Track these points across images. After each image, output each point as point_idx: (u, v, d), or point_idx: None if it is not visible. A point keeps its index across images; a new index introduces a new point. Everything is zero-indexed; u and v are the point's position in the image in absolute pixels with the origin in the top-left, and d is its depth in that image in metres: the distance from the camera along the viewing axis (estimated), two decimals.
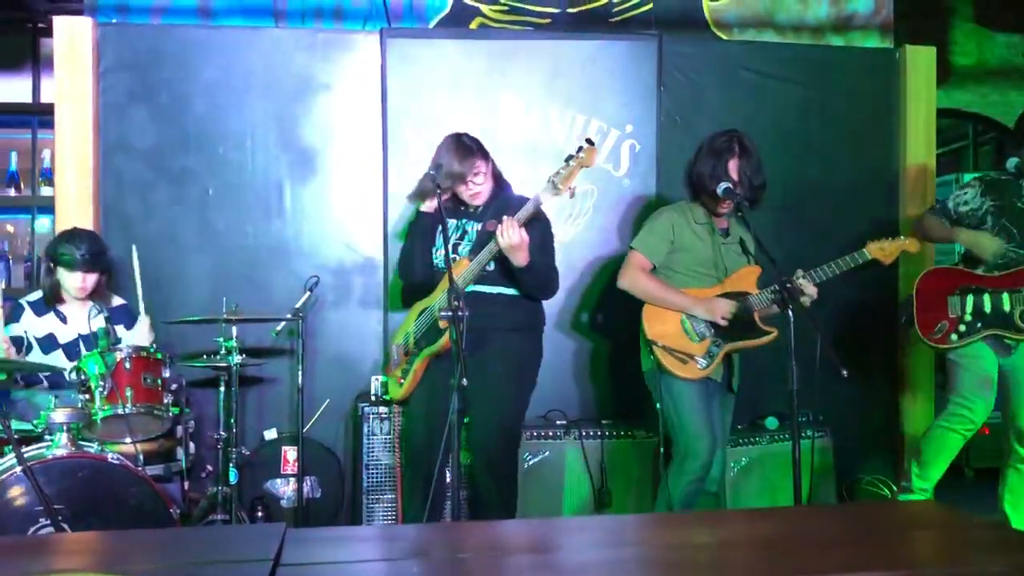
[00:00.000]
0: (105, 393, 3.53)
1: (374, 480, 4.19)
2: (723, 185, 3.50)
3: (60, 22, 4.41)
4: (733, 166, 3.55)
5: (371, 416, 4.21)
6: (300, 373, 4.10)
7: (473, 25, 4.87)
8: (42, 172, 5.83)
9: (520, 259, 3.44)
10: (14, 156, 5.91)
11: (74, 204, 4.35)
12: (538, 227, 3.59)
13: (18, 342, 3.93)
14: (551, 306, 3.88)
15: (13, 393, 3.95)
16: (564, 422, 4.29)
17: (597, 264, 4.63)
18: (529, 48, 4.67)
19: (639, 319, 3.66)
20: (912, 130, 4.94)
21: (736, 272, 3.67)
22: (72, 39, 4.36)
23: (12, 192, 5.90)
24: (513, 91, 4.62)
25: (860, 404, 4.79)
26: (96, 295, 3.96)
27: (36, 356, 3.92)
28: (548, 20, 4.92)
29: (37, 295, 4.03)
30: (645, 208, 4.54)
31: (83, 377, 3.54)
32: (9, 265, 5.85)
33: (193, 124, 4.48)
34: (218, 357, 3.94)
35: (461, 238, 3.67)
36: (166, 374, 3.71)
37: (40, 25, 5.81)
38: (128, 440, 3.56)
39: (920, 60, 4.96)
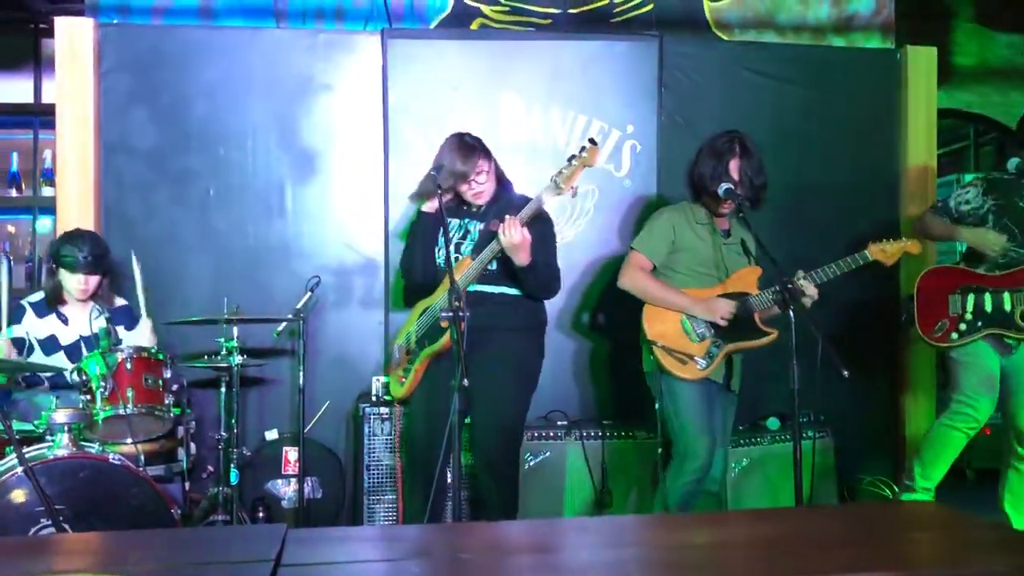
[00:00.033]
0: (106, 394, 3.53)
1: (375, 481, 4.19)
2: (724, 185, 3.51)
3: (61, 23, 4.41)
4: (734, 166, 3.56)
5: (372, 417, 4.20)
6: (301, 374, 4.10)
7: (474, 26, 4.87)
8: (43, 172, 5.83)
9: (522, 258, 3.45)
10: (15, 156, 5.91)
11: (75, 204, 4.35)
12: (540, 227, 3.59)
13: (19, 343, 3.93)
14: (552, 306, 3.88)
15: (14, 394, 3.95)
16: (565, 422, 4.29)
17: (598, 264, 4.63)
18: (530, 49, 4.67)
19: (640, 319, 3.66)
20: (913, 130, 4.94)
21: (737, 272, 3.67)
22: (73, 40, 4.37)
23: (13, 192, 5.91)
24: (514, 91, 4.62)
25: (861, 404, 4.79)
26: (98, 296, 3.96)
27: (37, 357, 3.92)
28: (549, 21, 4.91)
29: (39, 296, 4.03)
30: (646, 208, 4.53)
31: (84, 378, 3.54)
32: (11, 265, 5.83)
33: (194, 124, 4.49)
34: (219, 358, 3.94)
35: (464, 237, 3.67)
36: (167, 375, 3.71)
37: (41, 26, 5.81)
38: (129, 441, 3.56)
39: (921, 60, 4.96)
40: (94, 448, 3.35)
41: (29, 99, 5.92)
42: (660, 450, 3.77)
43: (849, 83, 4.92)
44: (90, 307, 3.93)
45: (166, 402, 3.69)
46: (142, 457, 3.53)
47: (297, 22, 4.80)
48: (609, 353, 4.64)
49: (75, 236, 3.91)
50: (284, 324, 4.28)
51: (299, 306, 4.18)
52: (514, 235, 3.38)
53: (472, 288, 3.53)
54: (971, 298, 3.93)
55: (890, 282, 4.74)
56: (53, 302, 3.97)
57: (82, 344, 3.95)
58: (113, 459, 3.29)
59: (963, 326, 3.94)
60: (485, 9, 4.88)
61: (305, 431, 4.19)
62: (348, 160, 4.59)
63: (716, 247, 3.67)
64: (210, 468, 4.23)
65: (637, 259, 3.69)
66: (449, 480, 3.45)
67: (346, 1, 4.83)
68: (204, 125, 4.49)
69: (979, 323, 3.91)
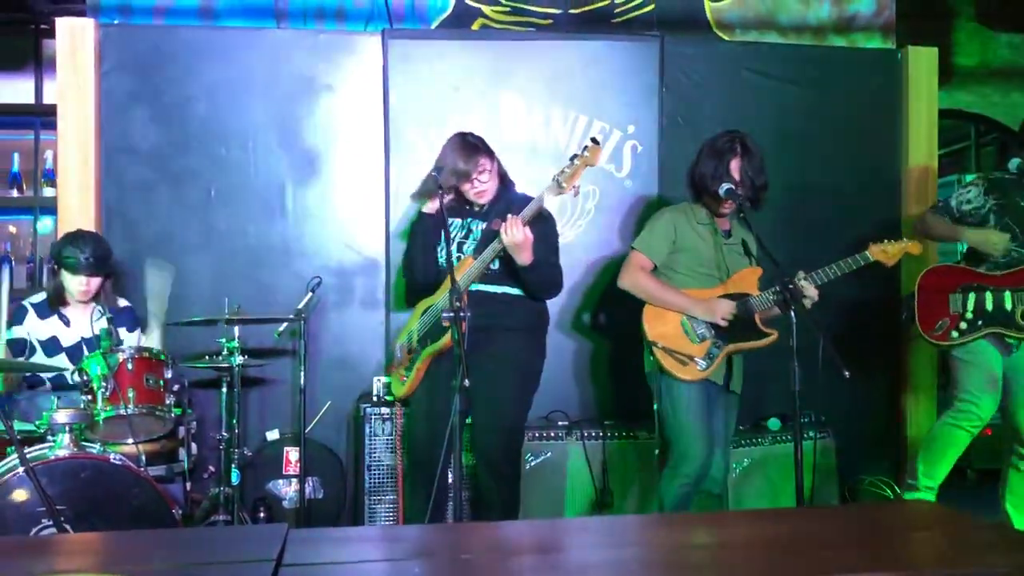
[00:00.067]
0: (107, 394, 3.53)
1: (376, 481, 4.19)
2: (725, 186, 3.50)
3: (62, 23, 4.41)
4: (735, 166, 3.55)
5: (373, 417, 4.21)
6: (302, 374, 4.10)
7: (475, 26, 4.87)
8: (44, 173, 5.83)
9: (524, 257, 3.45)
10: (16, 157, 5.91)
11: (76, 205, 4.35)
12: (543, 226, 3.59)
13: (21, 344, 3.93)
14: (553, 306, 3.88)
15: (15, 394, 3.95)
16: (566, 423, 4.29)
17: (599, 264, 4.63)
18: (531, 49, 4.68)
19: (640, 320, 3.66)
20: (914, 131, 4.94)
21: (738, 273, 3.66)
22: (74, 40, 4.37)
23: (14, 193, 5.90)
24: (515, 92, 4.62)
25: (862, 405, 4.79)
26: (100, 297, 3.95)
27: (39, 359, 3.92)
28: (550, 21, 4.91)
29: (41, 297, 4.02)
30: (647, 209, 4.53)
31: (85, 378, 3.54)
32: (12, 266, 5.85)
33: (195, 125, 4.49)
34: (220, 358, 3.94)
35: (466, 237, 3.68)
36: (168, 375, 3.71)
37: (43, 26, 5.80)
38: (130, 441, 3.56)
39: (922, 61, 4.96)
40: (95, 448, 3.35)
41: (30, 100, 5.91)
42: (657, 451, 3.77)
43: (850, 83, 4.92)
44: (92, 308, 3.92)
45: (167, 402, 3.69)
46: (143, 457, 3.53)
47: (298, 22, 4.80)
48: (610, 353, 4.64)
49: (77, 237, 3.90)
50: (285, 324, 4.28)
51: (300, 306, 4.18)
52: (516, 234, 3.38)
53: (474, 287, 3.54)
54: (972, 297, 3.94)
55: (891, 282, 4.74)
56: (55, 303, 3.97)
57: (84, 345, 3.95)
58: (114, 459, 3.29)
59: (964, 325, 3.94)
60: (486, 9, 4.88)
61: (306, 431, 4.19)
62: (349, 160, 4.59)
63: (717, 247, 3.67)
64: (211, 468, 4.22)
65: (638, 259, 3.69)
66: (450, 480, 3.46)
67: (347, 1, 4.83)
68: (205, 125, 4.49)
69: (980, 322, 3.91)
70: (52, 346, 3.95)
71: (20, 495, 3.08)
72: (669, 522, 2.73)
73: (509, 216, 3.41)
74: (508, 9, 4.90)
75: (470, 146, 3.64)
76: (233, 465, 3.94)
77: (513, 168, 3.87)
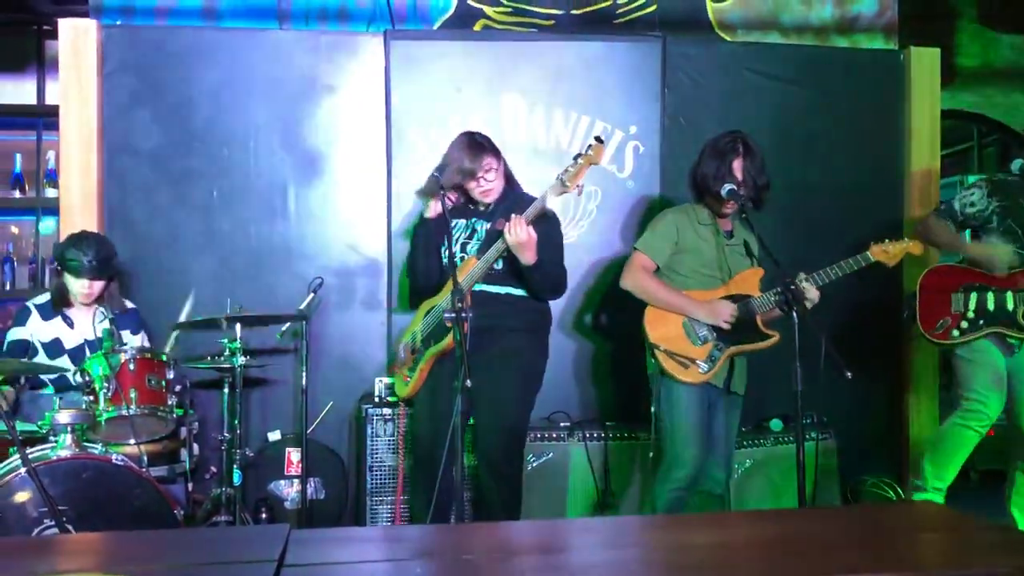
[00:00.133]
0: (109, 394, 3.53)
1: (378, 481, 4.19)
2: (727, 186, 3.50)
3: (65, 24, 4.41)
4: (737, 166, 3.55)
5: (375, 417, 4.21)
6: (304, 374, 4.10)
7: (477, 27, 4.87)
8: (47, 174, 5.84)
9: (528, 257, 3.45)
10: (19, 158, 5.91)
11: (78, 206, 4.36)
12: (547, 226, 3.59)
13: (24, 346, 3.92)
14: (554, 307, 3.87)
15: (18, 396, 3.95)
16: (568, 423, 4.29)
17: (600, 265, 4.63)
18: (533, 49, 4.68)
19: (642, 321, 3.66)
20: (916, 131, 4.94)
21: (740, 274, 3.66)
22: (77, 41, 4.37)
23: (17, 194, 5.91)
24: (517, 92, 4.62)
25: (864, 406, 4.78)
26: (105, 299, 3.94)
27: (41, 361, 3.91)
28: (552, 22, 4.91)
29: (44, 298, 4.01)
30: (649, 209, 4.54)
31: (87, 379, 3.54)
32: (14, 267, 5.86)
33: (197, 126, 4.49)
34: (222, 359, 3.94)
35: (470, 237, 3.67)
36: (170, 375, 3.71)
37: (45, 27, 5.82)
38: (132, 441, 3.56)
39: (924, 61, 4.96)
40: (97, 449, 3.35)
41: (33, 100, 5.93)
42: (652, 454, 3.77)
43: (852, 84, 4.92)
44: (96, 310, 3.90)
45: (169, 403, 3.69)
46: (145, 458, 3.53)
47: (300, 23, 4.80)
48: (612, 354, 4.64)
49: (80, 239, 3.88)
50: (288, 324, 4.29)
51: (302, 307, 4.18)
52: (520, 233, 3.38)
53: (477, 288, 3.54)
54: (974, 297, 3.93)
55: (892, 283, 4.74)
56: (59, 304, 3.96)
57: (86, 348, 3.93)
58: (116, 460, 3.29)
59: (965, 324, 3.94)
60: (488, 10, 4.88)
61: (308, 432, 4.19)
62: (351, 161, 4.59)
63: (719, 248, 3.67)
64: (213, 469, 4.23)
65: (640, 260, 3.68)
66: (454, 480, 3.46)
67: (349, 2, 4.83)
68: (207, 126, 4.50)
69: (981, 322, 3.91)
70: (55, 348, 3.94)
71: (22, 496, 3.08)
72: (671, 523, 2.73)
73: (513, 215, 3.41)
74: (510, 10, 4.90)
75: (477, 145, 3.64)
76: (235, 466, 3.94)
77: (515, 168, 3.87)
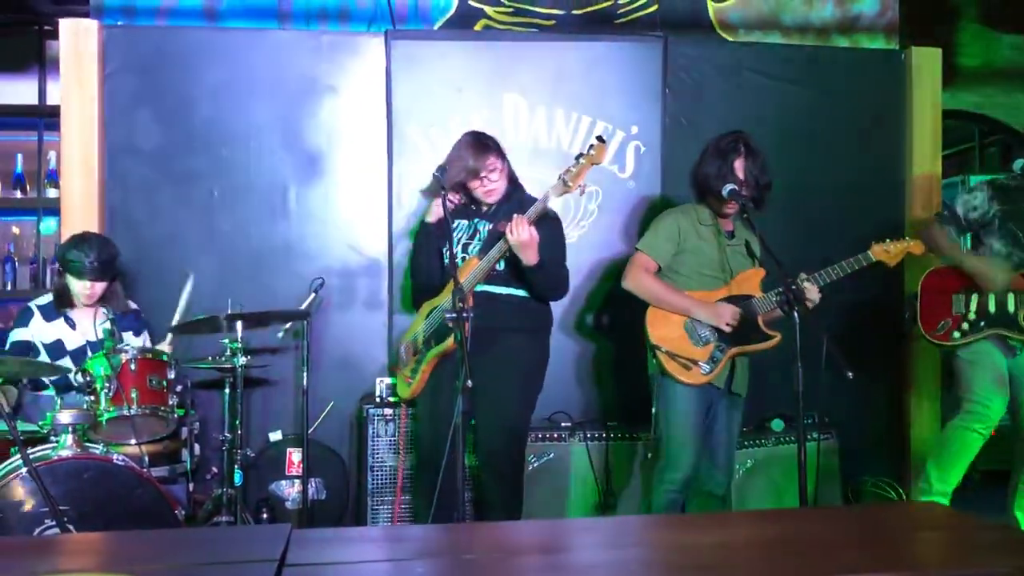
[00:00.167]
0: (110, 395, 3.52)
1: (379, 482, 4.19)
2: (728, 186, 3.50)
3: (66, 24, 4.41)
4: (739, 166, 3.55)
5: (376, 418, 4.21)
6: (305, 375, 4.10)
7: (478, 27, 4.87)
8: (48, 174, 5.83)
9: (530, 257, 3.44)
10: (20, 158, 5.91)
11: (79, 206, 4.36)
12: (549, 226, 3.59)
13: (26, 347, 3.91)
14: (556, 307, 3.87)
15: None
16: (569, 424, 4.29)
17: (602, 266, 4.62)
18: (534, 50, 4.68)
19: (643, 321, 3.65)
20: (918, 131, 4.93)
21: (741, 274, 3.66)
22: (78, 41, 4.37)
23: (18, 194, 5.90)
24: (518, 93, 4.62)
25: (865, 406, 4.78)
26: (106, 300, 3.93)
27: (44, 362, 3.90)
28: (553, 22, 4.91)
29: (47, 299, 4.00)
30: (650, 210, 4.53)
31: (89, 379, 3.54)
32: (15, 267, 5.86)
33: (198, 126, 4.49)
34: (223, 359, 3.94)
35: (472, 237, 3.68)
36: (171, 375, 3.70)
37: (46, 27, 5.81)
38: (133, 441, 3.56)
39: (926, 61, 4.95)
40: (98, 449, 3.35)
41: (34, 101, 5.92)
42: (649, 454, 3.77)
43: (853, 84, 4.91)
44: (98, 311, 3.90)
45: (170, 403, 3.69)
46: (146, 458, 3.53)
47: (301, 23, 4.80)
48: (613, 354, 4.64)
49: (82, 241, 3.87)
50: (289, 324, 4.28)
51: (303, 307, 4.18)
52: (522, 233, 3.38)
53: (479, 288, 3.53)
54: (975, 298, 3.93)
55: (894, 283, 4.74)
56: (61, 305, 3.95)
57: (88, 349, 3.90)
58: (117, 460, 3.29)
59: (966, 326, 3.93)
60: (489, 10, 4.88)
61: (309, 432, 4.19)
62: (352, 161, 4.59)
63: (721, 249, 3.66)
64: (214, 469, 4.22)
65: (642, 260, 3.68)
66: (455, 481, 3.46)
67: (350, 2, 4.83)
68: (208, 126, 4.50)
69: (982, 323, 3.91)
70: (57, 349, 3.93)
71: (23, 496, 3.08)
72: (672, 523, 2.73)
73: (515, 215, 3.41)
74: (511, 10, 4.90)
75: (482, 145, 3.65)
76: (236, 466, 3.93)
77: (516, 168, 3.87)
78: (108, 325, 3.67)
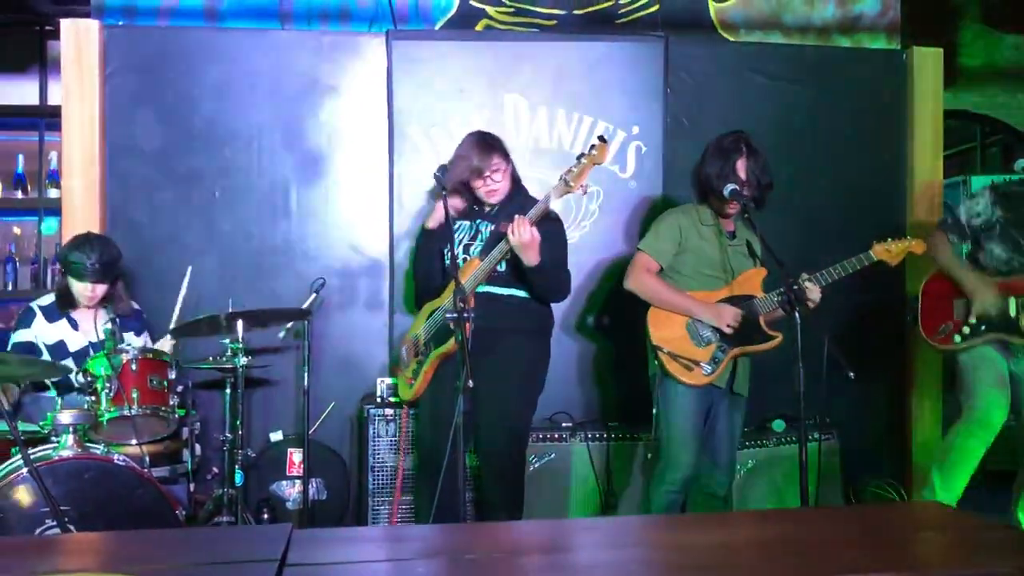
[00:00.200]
0: (111, 395, 3.52)
1: (380, 482, 4.19)
2: (729, 186, 3.50)
3: (67, 24, 4.41)
4: (741, 166, 3.55)
5: (376, 418, 4.20)
6: (306, 375, 4.09)
7: (479, 27, 4.87)
8: (49, 174, 5.84)
9: (531, 258, 3.44)
10: (21, 158, 5.91)
11: (81, 206, 4.36)
12: (550, 227, 3.58)
13: (29, 348, 3.90)
14: (557, 308, 3.87)
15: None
16: (570, 424, 4.28)
17: (603, 266, 4.62)
18: (535, 50, 4.67)
19: (644, 321, 3.65)
20: (919, 131, 4.93)
21: (743, 274, 3.66)
22: (79, 41, 4.37)
23: (19, 194, 5.91)
24: (519, 93, 4.61)
25: (867, 407, 4.78)
26: (109, 301, 3.93)
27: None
28: (554, 22, 4.91)
29: (49, 299, 3.99)
30: (651, 210, 4.53)
31: (89, 379, 3.53)
32: (16, 267, 5.86)
33: (199, 126, 4.49)
34: (224, 359, 3.93)
35: (474, 238, 3.67)
36: (172, 376, 3.70)
37: (47, 28, 5.82)
38: (134, 442, 3.55)
39: (927, 61, 4.95)
40: (99, 449, 3.34)
41: (35, 101, 5.93)
42: (649, 455, 3.76)
43: (855, 84, 4.91)
44: (100, 312, 3.89)
45: (171, 403, 3.69)
46: (147, 458, 3.53)
47: (302, 24, 4.80)
48: (614, 355, 4.63)
49: (83, 242, 3.84)
50: (290, 324, 4.28)
51: (304, 307, 4.18)
52: (523, 234, 3.37)
53: (481, 289, 3.53)
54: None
55: (896, 284, 4.74)
56: (63, 306, 3.94)
57: (90, 350, 3.89)
58: (118, 460, 3.29)
59: (967, 329, 3.92)
60: (490, 10, 4.88)
61: (310, 433, 4.19)
62: (353, 162, 4.59)
63: (722, 249, 3.66)
64: (215, 469, 4.22)
65: (644, 261, 3.68)
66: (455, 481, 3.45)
67: (351, 2, 4.83)
68: (209, 126, 4.50)
69: (983, 327, 3.89)
70: (59, 350, 3.92)
71: (24, 496, 3.08)
72: (672, 523, 2.73)
73: (516, 216, 3.41)
74: (512, 10, 4.90)
75: (487, 144, 3.65)
76: (237, 466, 3.93)
77: (517, 169, 3.87)
78: (109, 325, 3.67)
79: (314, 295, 4.28)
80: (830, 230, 4.65)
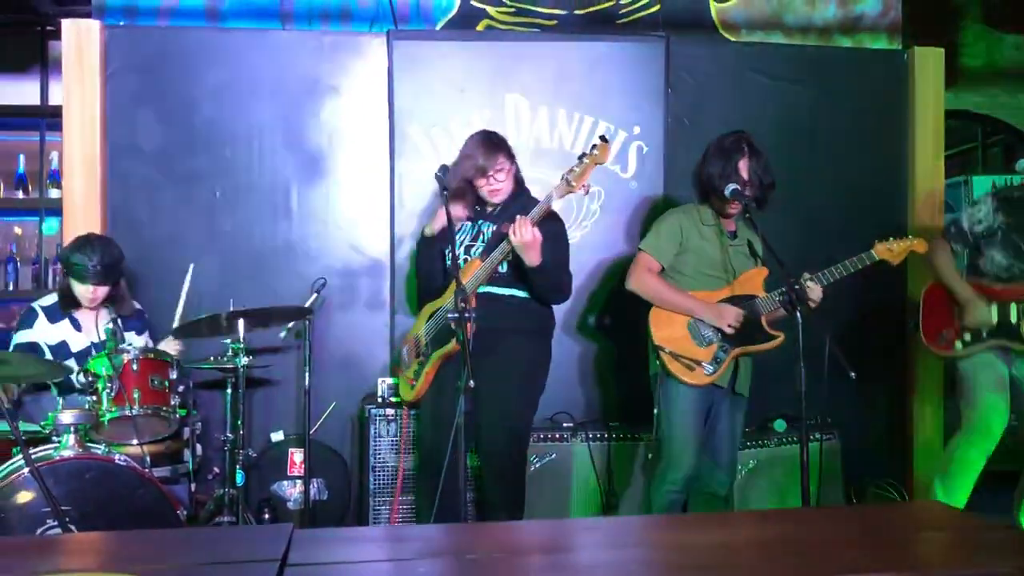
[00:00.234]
0: (112, 395, 3.52)
1: (381, 482, 4.18)
2: (731, 186, 3.50)
3: (68, 25, 4.42)
4: (744, 166, 3.55)
5: (377, 418, 4.20)
6: (307, 375, 4.09)
7: (480, 27, 4.86)
8: (50, 174, 5.84)
9: (532, 258, 3.44)
10: (22, 158, 5.92)
11: (82, 206, 4.36)
12: (552, 227, 3.58)
13: (31, 349, 3.89)
14: (558, 308, 3.87)
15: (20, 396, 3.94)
16: (571, 424, 4.28)
17: (604, 266, 4.62)
18: (536, 50, 4.67)
19: (646, 322, 3.65)
20: (920, 131, 4.92)
21: (744, 274, 3.65)
22: (80, 42, 4.37)
23: (20, 194, 5.91)
24: (520, 93, 4.61)
25: (868, 407, 4.77)
26: (112, 302, 3.92)
27: None
28: (555, 22, 4.91)
29: (50, 300, 3.98)
30: (652, 210, 4.53)
31: (91, 379, 3.53)
32: (17, 267, 5.86)
33: (200, 126, 4.49)
34: (225, 359, 3.93)
35: (475, 239, 3.67)
36: (173, 376, 3.70)
37: (48, 28, 5.82)
38: (135, 442, 3.55)
39: (928, 61, 4.94)
40: (100, 449, 3.34)
41: (36, 101, 5.93)
42: (650, 455, 3.76)
43: (856, 84, 4.91)
44: (103, 313, 3.89)
45: (172, 403, 3.68)
46: (148, 458, 3.53)
47: (303, 24, 4.80)
48: (615, 355, 4.63)
49: (85, 244, 3.82)
50: (291, 324, 4.28)
51: (305, 307, 4.18)
52: (525, 234, 3.37)
53: (482, 289, 3.53)
54: None
55: (897, 284, 4.74)
56: (66, 306, 3.94)
57: (93, 350, 3.88)
58: (119, 460, 3.29)
59: (968, 336, 3.90)
60: (491, 10, 4.88)
61: (311, 433, 4.19)
62: (354, 162, 4.59)
63: (723, 249, 3.66)
64: (216, 469, 4.22)
65: (645, 261, 3.68)
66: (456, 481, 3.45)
67: (352, 3, 4.83)
68: (210, 127, 4.50)
69: (984, 333, 3.88)
70: (61, 351, 3.91)
71: (25, 496, 3.08)
72: (673, 523, 2.73)
73: (518, 216, 3.41)
74: (513, 10, 4.89)
75: (493, 144, 3.66)
76: (238, 466, 3.93)
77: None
78: (110, 326, 3.67)
79: (315, 295, 4.28)
80: (831, 230, 4.65)
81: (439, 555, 2.01)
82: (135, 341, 3.95)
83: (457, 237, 3.64)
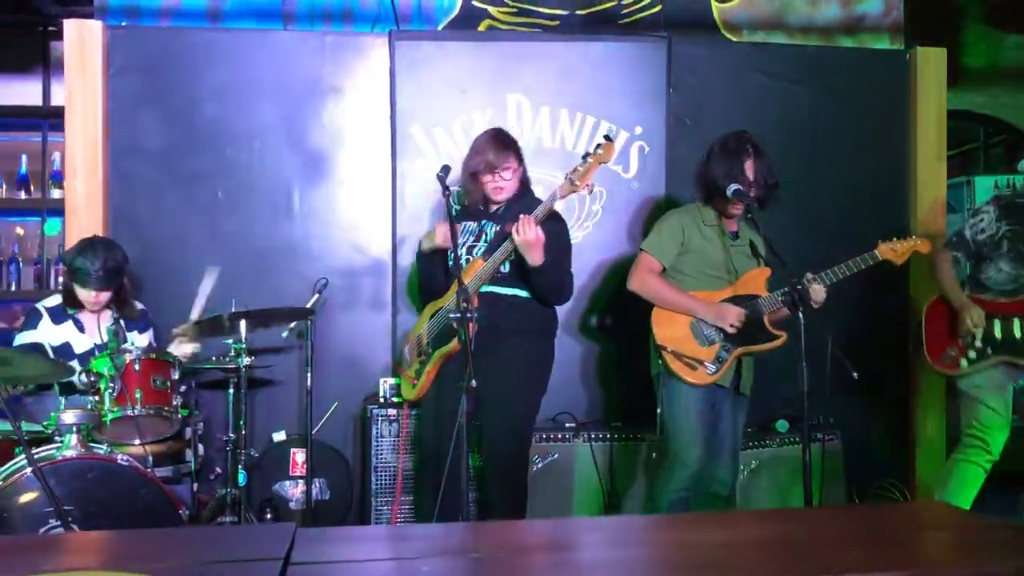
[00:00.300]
0: (114, 395, 3.52)
1: (383, 482, 4.18)
2: (733, 186, 3.50)
3: (70, 25, 4.42)
4: (748, 167, 3.55)
5: (379, 418, 4.20)
6: (309, 375, 4.09)
7: (482, 27, 4.86)
8: (52, 175, 5.85)
9: (535, 258, 3.44)
10: (24, 159, 5.92)
11: (84, 206, 4.36)
12: (555, 228, 3.59)
13: (34, 350, 3.89)
14: (560, 308, 3.87)
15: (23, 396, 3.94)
16: (573, 424, 4.28)
17: (606, 266, 4.62)
18: (538, 50, 4.68)
19: (648, 322, 3.65)
20: (923, 131, 4.92)
21: (746, 274, 3.65)
22: (82, 42, 4.38)
23: (22, 195, 5.91)
24: (522, 93, 4.62)
25: (871, 408, 4.77)
26: (115, 305, 3.92)
27: None
28: (557, 22, 4.91)
29: (55, 300, 3.97)
30: (654, 210, 4.53)
31: (93, 379, 3.53)
32: (19, 268, 5.87)
33: (202, 126, 4.50)
34: (227, 359, 3.94)
35: (478, 239, 3.67)
36: (175, 376, 3.70)
37: (50, 28, 5.83)
38: (137, 442, 3.56)
39: (931, 61, 4.94)
40: (102, 449, 3.35)
41: (38, 101, 5.94)
42: (655, 455, 3.75)
43: (858, 84, 4.90)
44: (106, 314, 3.89)
45: (174, 403, 3.68)
46: (150, 458, 3.53)
47: (305, 24, 4.80)
48: (617, 355, 4.63)
49: (88, 248, 3.81)
50: (293, 324, 4.28)
51: (307, 307, 4.18)
52: (528, 233, 3.38)
53: (485, 289, 3.53)
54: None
55: (900, 284, 4.74)
56: (71, 306, 3.93)
57: (96, 352, 3.88)
58: (121, 460, 3.29)
59: (973, 354, 3.86)
60: (493, 10, 4.88)
61: (313, 433, 4.19)
62: (356, 162, 4.59)
63: (725, 249, 3.66)
64: (218, 469, 4.23)
65: (647, 261, 3.68)
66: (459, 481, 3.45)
67: (354, 3, 4.83)
68: (212, 127, 4.50)
69: (989, 350, 3.84)
70: (64, 352, 3.90)
71: (28, 495, 3.08)
72: (676, 522, 2.72)
73: (522, 215, 3.41)
74: (515, 10, 4.89)
75: (504, 143, 3.66)
76: (240, 466, 3.94)
77: None
78: (112, 326, 3.67)
79: (317, 295, 4.28)
80: (833, 230, 4.64)
81: (442, 554, 2.01)
82: (138, 341, 3.95)
83: (460, 237, 3.64)
